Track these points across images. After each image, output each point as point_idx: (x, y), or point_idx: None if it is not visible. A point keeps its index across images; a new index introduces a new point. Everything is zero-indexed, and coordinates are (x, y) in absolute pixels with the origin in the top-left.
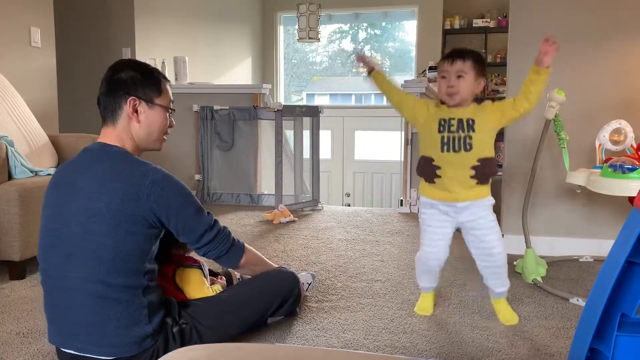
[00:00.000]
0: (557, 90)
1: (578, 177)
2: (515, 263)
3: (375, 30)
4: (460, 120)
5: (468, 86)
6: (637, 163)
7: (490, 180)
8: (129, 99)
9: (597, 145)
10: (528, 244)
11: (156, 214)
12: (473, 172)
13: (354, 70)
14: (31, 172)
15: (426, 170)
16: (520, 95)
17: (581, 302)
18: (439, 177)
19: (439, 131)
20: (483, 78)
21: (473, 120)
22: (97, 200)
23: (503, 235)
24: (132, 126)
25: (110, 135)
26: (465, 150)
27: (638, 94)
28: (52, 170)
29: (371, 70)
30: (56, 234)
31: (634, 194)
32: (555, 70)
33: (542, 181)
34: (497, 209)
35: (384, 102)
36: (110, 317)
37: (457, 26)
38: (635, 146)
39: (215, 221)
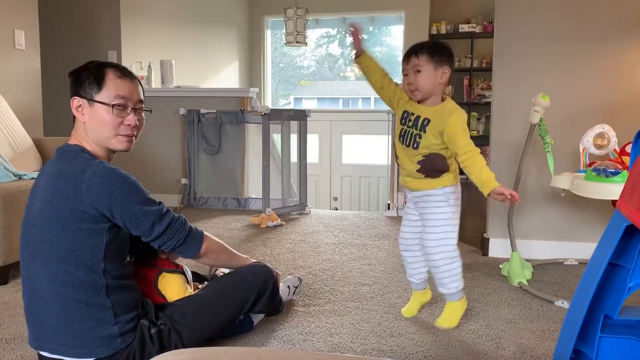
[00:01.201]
0: (541, 95)
1: (562, 181)
2: (501, 266)
3: (363, 35)
4: (417, 117)
5: (427, 80)
6: (620, 167)
7: (447, 174)
8: (72, 99)
9: (581, 150)
10: (514, 248)
11: (97, 208)
12: (418, 166)
13: (347, 37)
14: (14, 175)
15: (394, 156)
16: (465, 163)
17: (566, 305)
18: (399, 165)
19: (401, 123)
20: (446, 67)
21: (428, 121)
22: (44, 199)
23: (488, 238)
24: (83, 127)
25: (73, 137)
26: (413, 147)
27: (621, 99)
28: (36, 174)
29: (360, 53)
30: (24, 236)
31: (617, 197)
32: (540, 75)
33: (527, 185)
34: (482, 213)
35: (372, 106)
36: (74, 318)
37: (443, 31)
38: (618, 150)
39: (167, 210)
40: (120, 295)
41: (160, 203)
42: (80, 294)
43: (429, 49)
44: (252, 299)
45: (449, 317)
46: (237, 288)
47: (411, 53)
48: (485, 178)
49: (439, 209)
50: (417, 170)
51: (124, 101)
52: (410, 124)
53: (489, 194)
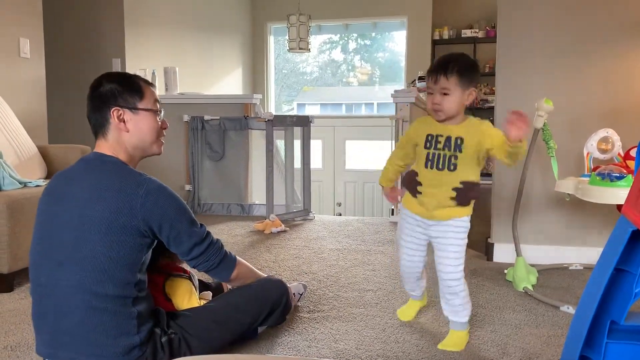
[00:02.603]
0: (545, 100)
1: (567, 186)
2: (505, 271)
3: (365, 41)
4: (448, 138)
5: (454, 102)
6: (625, 171)
7: (472, 203)
8: (112, 110)
9: (585, 154)
10: (518, 253)
11: (148, 224)
12: (454, 194)
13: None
14: (20, 183)
15: (409, 184)
16: (504, 155)
17: (571, 310)
18: (420, 193)
19: (425, 147)
20: (473, 88)
21: (462, 140)
22: (90, 208)
23: (493, 243)
24: (122, 137)
25: (104, 147)
26: (449, 170)
27: (625, 103)
28: (41, 182)
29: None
30: (47, 241)
31: (622, 202)
32: (543, 80)
33: (531, 190)
34: (487, 218)
35: (375, 111)
36: (98, 327)
37: (446, 36)
38: (622, 154)
39: (208, 233)
40: (142, 305)
41: (202, 226)
42: (111, 303)
43: (459, 69)
44: (264, 314)
45: (457, 342)
46: (251, 304)
47: (440, 72)
48: (518, 153)
49: (460, 236)
50: (452, 198)
51: (160, 106)
52: (441, 146)
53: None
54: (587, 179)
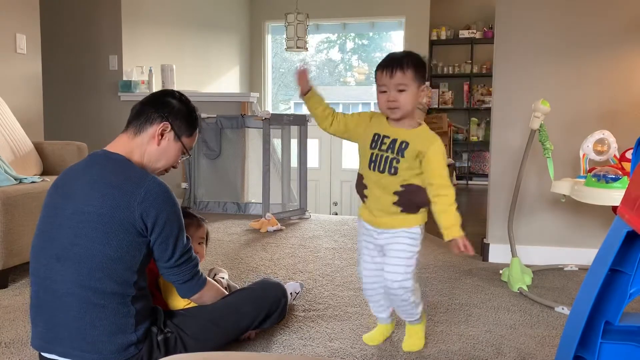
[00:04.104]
0: (541, 101)
1: (563, 187)
2: (501, 272)
3: (363, 41)
4: (394, 141)
5: (411, 98)
6: (620, 173)
7: (423, 211)
8: (164, 122)
9: (581, 155)
10: (514, 253)
11: (144, 219)
12: (396, 198)
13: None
14: (15, 179)
15: (358, 187)
16: (439, 197)
17: (566, 311)
18: (366, 197)
19: (371, 147)
20: (424, 85)
21: (407, 144)
22: (89, 204)
23: (489, 244)
24: (149, 145)
25: (122, 144)
26: (390, 173)
27: (621, 105)
28: (36, 178)
29: (308, 90)
30: (48, 235)
31: (617, 204)
32: (540, 81)
33: (527, 191)
34: (482, 218)
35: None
36: (96, 323)
37: (443, 37)
38: (618, 156)
39: (190, 248)
40: (141, 303)
41: (188, 239)
42: (109, 301)
43: (414, 64)
44: (261, 316)
45: (416, 342)
46: (248, 306)
47: (396, 66)
48: (455, 220)
49: (409, 246)
50: (395, 203)
51: (189, 154)
52: (385, 147)
53: (450, 240)
54: (582, 180)
